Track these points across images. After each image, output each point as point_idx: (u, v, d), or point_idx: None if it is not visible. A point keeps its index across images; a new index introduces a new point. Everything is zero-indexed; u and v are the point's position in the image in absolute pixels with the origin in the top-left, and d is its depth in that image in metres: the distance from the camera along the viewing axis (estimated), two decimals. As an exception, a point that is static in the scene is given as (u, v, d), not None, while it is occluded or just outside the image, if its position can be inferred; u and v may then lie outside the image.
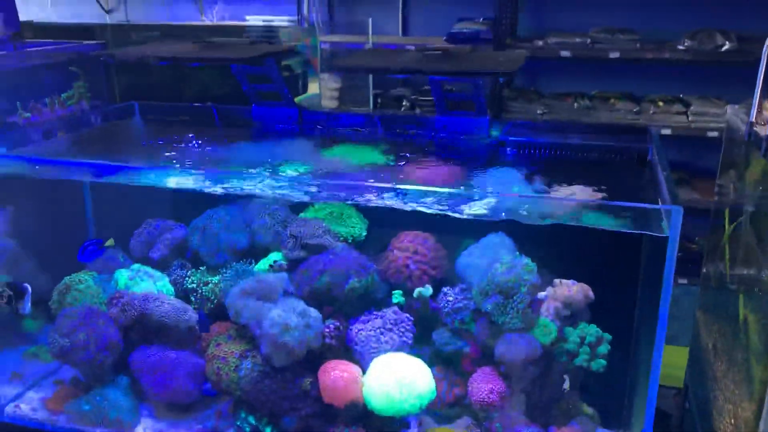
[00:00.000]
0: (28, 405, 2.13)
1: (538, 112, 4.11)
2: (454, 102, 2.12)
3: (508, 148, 2.04)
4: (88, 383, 2.08)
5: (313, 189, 1.81)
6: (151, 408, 2.06)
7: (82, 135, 2.33)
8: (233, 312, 1.96)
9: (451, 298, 1.92)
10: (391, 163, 2.01)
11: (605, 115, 4.03)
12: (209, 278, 2.11)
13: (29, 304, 1.99)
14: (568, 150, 2.00)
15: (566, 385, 1.77)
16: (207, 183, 1.87)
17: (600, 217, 1.53)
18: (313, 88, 4.44)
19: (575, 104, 4.15)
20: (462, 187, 1.76)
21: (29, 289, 1.99)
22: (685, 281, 3.78)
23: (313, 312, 1.90)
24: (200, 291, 2.09)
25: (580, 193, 1.69)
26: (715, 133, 3.86)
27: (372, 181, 1.74)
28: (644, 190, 1.73)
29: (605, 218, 1.52)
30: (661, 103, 4.06)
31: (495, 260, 1.86)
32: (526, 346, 1.74)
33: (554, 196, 1.70)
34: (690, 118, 3.94)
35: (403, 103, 4.32)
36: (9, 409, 2.12)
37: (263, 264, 2.11)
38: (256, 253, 2.16)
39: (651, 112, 4.00)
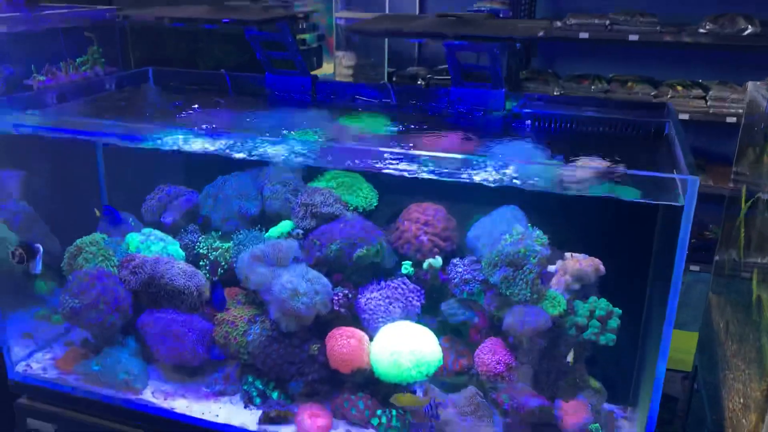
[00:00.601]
0: (39, 364, 2.15)
1: (555, 93, 4.07)
2: (469, 74, 2.10)
3: (524, 121, 2.02)
4: (98, 345, 2.09)
5: (325, 155, 1.80)
6: (160, 370, 2.08)
7: (96, 99, 2.33)
8: (243, 277, 1.96)
9: (460, 270, 1.92)
10: (405, 133, 1.99)
11: (622, 98, 3.99)
12: (220, 244, 2.11)
13: (40, 263, 2.01)
14: (584, 124, 1.97)
15: (570, 358, 1.76)
16: (218, 147, 1.86)
17: (615, 188, 1.51)
18: (327, 69, 4.42)
19: (592, 87, 4.11)
20: (475, 155, 1.73)
21: (41, 248, 2.01)
22: (697, 268, 3.76)
23: (323, 279, 1.91)
24: (211, 256, 2.10)
25: (595, 163, 1.67)
26: (733, 119, 3.81)
27: (384, 147, 1.73)
28: (661, 163, 1.71)
29: (620, 189, 1.50)
30: (679, 88, 4.01)
31: (506, 232, 1.84)
32: (534, 318, 1.73)
33: (568, 164, 1.67)
34: (708, 104, 3.88)
35: (419, 82, 4.30)
36: (20, 368, 2.14)
37: (274, 231, 2.11)
38: (267, 220, 2.16)
39: (669, 96, 3.95)
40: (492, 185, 1.62)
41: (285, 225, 2.11)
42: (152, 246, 2.08)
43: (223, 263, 2.09)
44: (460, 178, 1.65)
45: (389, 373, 1.81)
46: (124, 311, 2.00)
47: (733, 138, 2.32)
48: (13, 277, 2.20)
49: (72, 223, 2.28)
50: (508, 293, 1.77)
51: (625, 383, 1.93)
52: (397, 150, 1.68)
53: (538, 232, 1.81)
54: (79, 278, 1.99)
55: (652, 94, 3.99)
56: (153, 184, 2.30)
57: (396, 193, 2.17)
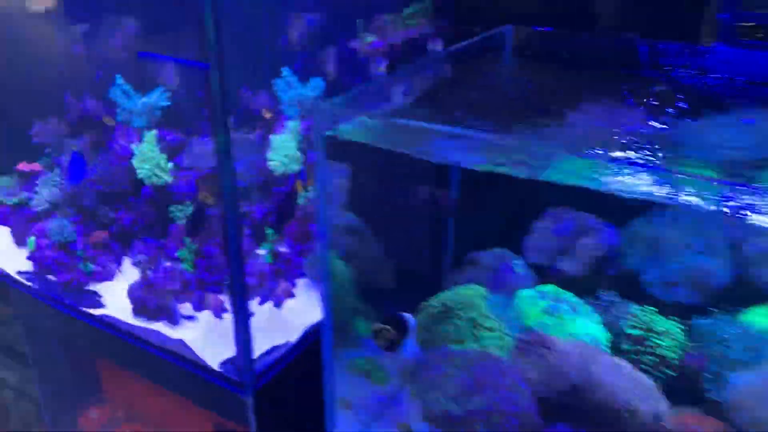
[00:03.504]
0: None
1: None
2: None
3: None
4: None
5: None
6: None
7: (445, 84, 1.49)
8: (747, 414, 1.08)
9: None
10: None
11: None
12: (667, 324, 1.24)
13: (414, 342, 1.23)
14: None
15: None
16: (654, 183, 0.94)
17: None
18: None
19: None
20: None
21: (413, 321, 1.23)
22: None
23: None
24: (648, 345, 1.23)
25: None
26: None
27: None
28: None
29: None
30: None
31: None
32: None
33: None
34: None
35: None
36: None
37: (760, 316, 1.21)
38: (746, 295, 1.25)
39: None
40: None
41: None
42: (569, 323, 1.24)
43: (673, 360, 1.22)
44: None
45: None
46: (528, 426, 1.21)
47: None
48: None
49: (414, 258, 1.51)
50: None
51: None
52: None
53: None
54: (454, 363, 1.22)
55: None
56: (529, 206, 1.46)
57: None
